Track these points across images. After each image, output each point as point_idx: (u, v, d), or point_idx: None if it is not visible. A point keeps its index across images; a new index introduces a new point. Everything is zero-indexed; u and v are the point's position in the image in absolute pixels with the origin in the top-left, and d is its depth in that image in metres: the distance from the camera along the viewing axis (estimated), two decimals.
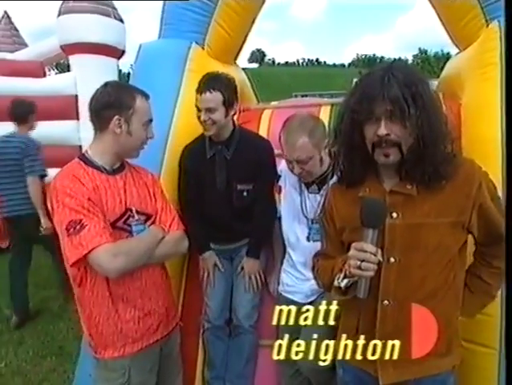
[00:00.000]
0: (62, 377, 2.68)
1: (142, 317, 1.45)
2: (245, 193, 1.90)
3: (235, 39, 2.58)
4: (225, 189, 1.90)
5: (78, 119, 5.16)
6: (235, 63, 2.88)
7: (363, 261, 1.03)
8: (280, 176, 1.92)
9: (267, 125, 2.35)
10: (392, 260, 1.13)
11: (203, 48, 2.42)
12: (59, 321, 3.41)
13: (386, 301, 1.15)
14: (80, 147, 4.95)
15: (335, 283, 1.14)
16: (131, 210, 1.44)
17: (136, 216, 1.45)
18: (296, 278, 1.86)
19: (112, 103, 1.42)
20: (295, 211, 1.83)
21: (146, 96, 1.47)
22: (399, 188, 1.14)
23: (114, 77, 5.43)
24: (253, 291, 1.95)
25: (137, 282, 1.44)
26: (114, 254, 1.31)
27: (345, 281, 1.10)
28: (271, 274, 2.04)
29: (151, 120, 1.48)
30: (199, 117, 1.85)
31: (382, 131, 1.06)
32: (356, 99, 1.09)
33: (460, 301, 1.23)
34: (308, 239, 1.79)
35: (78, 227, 1.29)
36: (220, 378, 2.00)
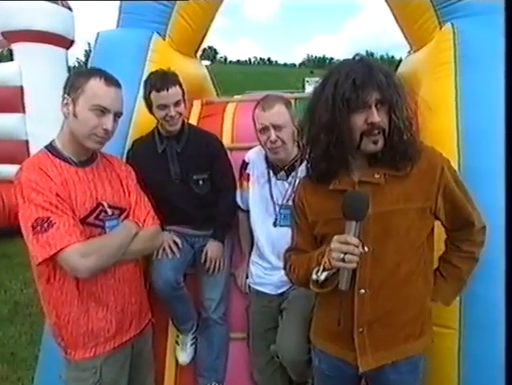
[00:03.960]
0: None
1: (114, 315, 1.40)
2: (200, 182, 1.93)
3: (197, 32, 2.55)
4: (181, 180, 1.92)
5: (24, 112, 4.86)
6: (195, 57, 2.85)
7: (345, 253, 1.04)
8: (248, 164, 1.94)
9: (231, 118, 2.35)
10: (366, 249, 1.14)
11: (164, 39, 2.37)
12: (10, 326, 3.20)
13: (362, 290, 1.18)
14: (27, 141, 4.67)
15: (313, 277, 1.14)
16: (102, 205, 1.37)
17: (109, 211, 1.38)
18: (265, 268, 1.88)
19: (66, 83, 1.35)
20: (263, 198, 1.86)
21: (110, 82, 1.34)
22: (367, 178, 1.18)
23: (63, 68, 5.16)
24: (213, 275, 1.94)
25: (110, 280, 1.39)
26: (84, 254, 1.25)
27: (324, 274, 1.12)
28: (239, 268, 2.04)
29: (115, 113, 1.35)
30: (165, 115, 1.84)
31: (376, 118, 1.10)
32: (349, 88, 1.08)
33: (431, 284, 1.29)
34: (275, 224, 1.83)
35: (45, 225, 1.22)
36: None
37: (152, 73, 1.89)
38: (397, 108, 1.11)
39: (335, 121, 1.11)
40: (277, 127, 1.71)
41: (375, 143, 1.13)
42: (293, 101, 2.45)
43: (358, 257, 1.05)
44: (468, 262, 1.32)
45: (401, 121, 1.12)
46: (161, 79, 1.82)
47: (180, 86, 1.87)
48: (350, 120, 1.11)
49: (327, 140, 1.14)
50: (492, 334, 1.52)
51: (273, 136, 1.71)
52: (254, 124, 1.80)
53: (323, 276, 1.12)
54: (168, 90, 1.80)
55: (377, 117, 1.10)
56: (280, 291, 1.84)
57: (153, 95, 1.83)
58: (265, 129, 1.74)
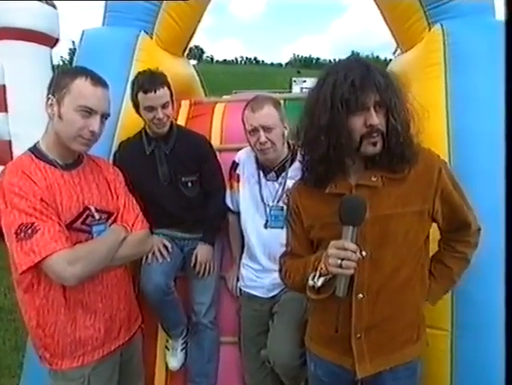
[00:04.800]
0: None
1: (103, 323, 1.36)
2: (189, 184, 1.90)
3: (184, 31, 2.51)
4: (169, 182, 1.88)
5: (6, 111, 4.73)
6: (183, 56, 2.81)
7: (343, 259, 1.02)
8: (238, 165, 1.91)
9: (220, 119, 2.32)
10: (364, 253, 1.12)
11: (151, 38, 2.33)
12: None
13: (360, 295, 1.16)
14: (10, 142, 4.55)
15: (310, 282, 1.12)
16: (89, 209, 1.32)
17: (96, 216, 1.34)
18: (256, 271, 1.85)
19: (51, 82, 1.30)
20: (254, 198, 1.84)
21: (96, 81, 1.29)
22: (364, 181, 1.16)
23: (47, 66, 5.03)
24: (203, 278, 1.92)
25: (98, 287, 1.34)
26: (70, 261, 1.20)
27: (321, 279, 1.09)
28: (229, 271, 2.02)
29: (102, 115, 1.30)
30: (153, 117, 1.80)
31: (375, 120, 1.08)
32: (348, 88, 1.05)
33: (426, 288, 1.27)
34: (266, 226, 1.81)
35: (29, 231, 1.17)
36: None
37: (139, 73, 1.84)
38: (395, 110, 1.10)
39: (335, 123, 1.09)
40: (266, 129, 1.69)
41: (375, 145, 1.11)
42: (282, 102, 2.43)
43: (356, 263, 1.03)
44: (460, 263, 1.31)
45: (399, 123, 1.10)
46: (149, 80, 1.77)
47: (169, 87, 1.82)
48: (349, 122, 1.09)
49: (327, 143, 1.11)
50: (484, 335, 1.53)
51: (262, 138, 1.69)
52: (244, 125, 1.77)
53: (319, 282, 1.09)
54: (155, 91, 1.76)
55: (376, 119, 1.08)
56: (272, 294, 1.81)
57: (140, 96, 1.78)
58: (254, 130, 1.71)
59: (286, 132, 1.75)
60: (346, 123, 1.09)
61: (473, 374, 1.55)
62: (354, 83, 1.05)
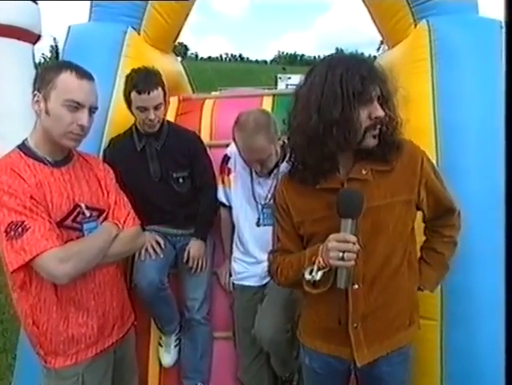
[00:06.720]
0: None
1: (96, 320, 1.35)
2: (181, 180, 1.90)
3: (172, 27, 2.50)
4: (160, 178, 1.88)
5: None
6: (170, 52, 2.79)
7: (344, 251, 1.04)
8: (229, 158, 1.91)
9: (210, 115, 2.32)
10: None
11: (139, 34, 2.31)
12: None
13: (356, 286, 1.18)
14: None
15: (307, 277, 1.12)
16: (80, 206, 1.31)
17: (87, 213, 1.32)
18: (248, 264, 1.86)
19: (37, 78, 1.27)
20: (246, 194, 1.85)
21: (82, 74, 1.26)
22: (355, 175, 1.18)
23: (29, 63, 4.90)
24: (195, 274, 1.92)
25: (91, 284, 1.33)
26: (62, 259, 1.19)
27: (320, 273, 1.10)
28: (221, 266, 2.02)
29: (90, 108, 1.28)
30: (145, 117, 1.78)
31: (381, 112, 1.10)
32: (357, 82, 1.06)
33: (417, 274, 1.31)
34: (258, 224, 1.82)
35: (19, 230, 1.15)
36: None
37: (134, 71, 1.80)
38: (391, 103, 1.13)
39: (345, 116, 1.08)
40: (260, 160, 1.71)
41: (375, 138, 1.14)
42: (271, 97, 2.44)
43: (356, 255, 1.06)
44: (449, 247, 1.36)
45: (394, 115, 1.14)
46: (144, 80, 1.74)
47: (163, 87, 1.80)
48: (356, 115, 1.09)
49: (340, 136, 1.10)
50: (473, 324, 1.57)
51: (256, 168, 1.75)
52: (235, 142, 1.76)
53: (318, 275, 1.10)
54: (149, 93, 1.73)
55: (381, 111, 1.10)
56: (265, 281, 1.82)
57: (133, 95, 1.75)
58: (249, 160, 1.75)
59: (279, 142, 1.71)
60: (357, 116, 1.09)
61: (462, 363, 1.59)
62: (363, 75, 1.07)
